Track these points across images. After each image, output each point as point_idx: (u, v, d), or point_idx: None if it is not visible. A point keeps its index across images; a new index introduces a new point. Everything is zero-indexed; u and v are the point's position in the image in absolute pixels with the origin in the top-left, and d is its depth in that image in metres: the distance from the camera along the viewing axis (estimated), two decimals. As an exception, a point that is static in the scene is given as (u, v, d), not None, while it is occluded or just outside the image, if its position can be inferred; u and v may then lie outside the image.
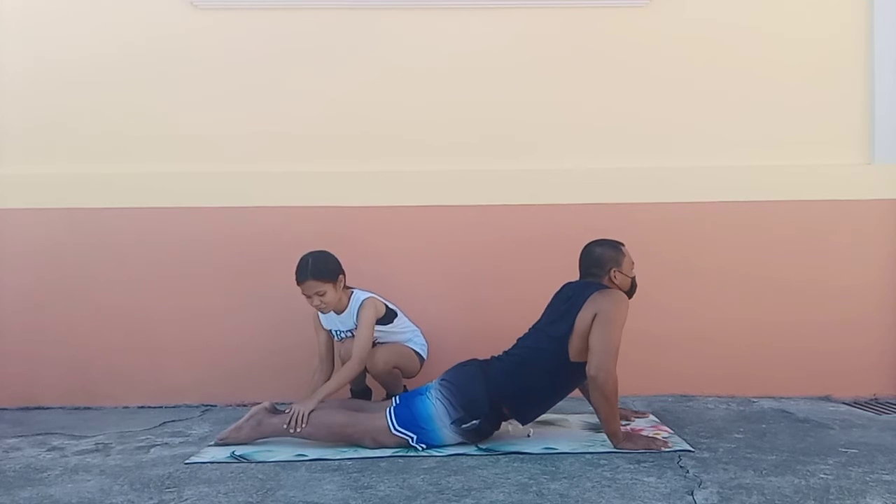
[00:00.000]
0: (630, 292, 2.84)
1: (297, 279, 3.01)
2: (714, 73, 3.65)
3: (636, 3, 3.65)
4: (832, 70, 3.67)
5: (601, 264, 2.81)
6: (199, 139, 3.63)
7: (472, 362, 2.79)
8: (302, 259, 3.03)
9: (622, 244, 2.87)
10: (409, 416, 2.66)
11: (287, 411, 2.75)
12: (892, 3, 3.62)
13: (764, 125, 3.66)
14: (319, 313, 3.14)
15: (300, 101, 3.63)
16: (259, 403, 2.85)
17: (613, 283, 2.79)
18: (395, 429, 2.65)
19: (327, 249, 3.15)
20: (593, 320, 2.62)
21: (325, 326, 3.17)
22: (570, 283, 2.85)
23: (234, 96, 3.63)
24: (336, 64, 3.63)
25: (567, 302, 2.74)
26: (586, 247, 2.87)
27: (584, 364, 2.63)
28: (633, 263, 2.87)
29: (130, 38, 3.63)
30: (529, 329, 2.83)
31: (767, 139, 3.66)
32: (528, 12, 3.66)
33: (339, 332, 3.15)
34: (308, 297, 3.02)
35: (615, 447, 2.62)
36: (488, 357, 2.80)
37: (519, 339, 2.82)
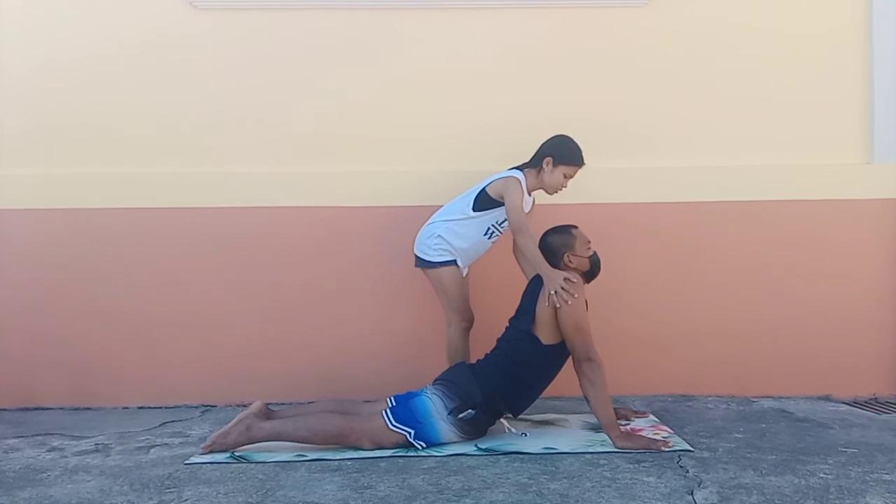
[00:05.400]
0: (593, 270, 2.94)
1: (584, 161, 3.14)
2: (713, 73, 3.65)
3: (635, 3, 3.65)
4: (832, 70, 3.66)
5: (554, 252, 2.91)
6: (198, 139, 3.62)
7: (461, 363, 2.93)
8: (576, 144, 3.15)
9: (573, 227, 2.96)
10: (406, 413, 2.69)
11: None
12: (891, 1, 3.62)
13: (763, 124, 3.66)
14: (528, 197, 3.19)
15: (300, 101, 3.63)
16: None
17: (570, 267, 2.88)
18: (393, 424, 2.65)
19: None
20: (555, 308, 2.73)
21: (525, 209, 3.15)
22: (535, 276, 2.94)
23: (234, 96, 3.63)
24: (336, 64, 3.63)
25: (529, 294, 2.87)
26: (540, 238, 2.97)
27: (560, 345, 2.77)
28: (588, 241, 2.94)
29: (130, 39, 3.63)
30: (506, 326, 2.94)
31: (767, 138, 3.66)
32: (525, 12, 3.65)
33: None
34: (571, 178, 3.17)
35: (612, 440, 2.65)
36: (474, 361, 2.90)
37: (498, 338, 2.92)
